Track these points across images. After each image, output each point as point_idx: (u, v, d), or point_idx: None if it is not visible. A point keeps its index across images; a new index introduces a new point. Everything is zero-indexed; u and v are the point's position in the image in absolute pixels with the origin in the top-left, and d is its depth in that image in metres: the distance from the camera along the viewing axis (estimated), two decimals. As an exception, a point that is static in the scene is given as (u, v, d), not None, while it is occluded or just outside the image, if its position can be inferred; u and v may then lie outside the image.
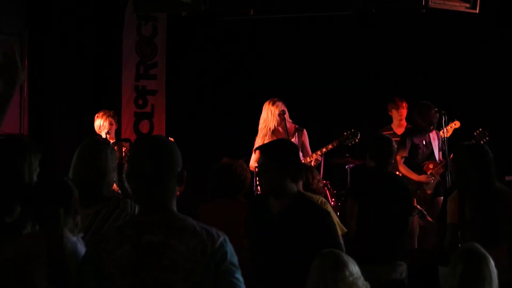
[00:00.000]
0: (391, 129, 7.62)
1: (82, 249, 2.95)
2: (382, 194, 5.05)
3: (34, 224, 2.97)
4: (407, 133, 7.08)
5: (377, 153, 5.24)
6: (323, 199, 4.92)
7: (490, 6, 6.99)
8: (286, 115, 6.84)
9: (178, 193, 5.16)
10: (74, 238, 2.97)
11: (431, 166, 6.88)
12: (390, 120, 7.75)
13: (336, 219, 4.63)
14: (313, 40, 8.81)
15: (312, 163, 6.80)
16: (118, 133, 7.99)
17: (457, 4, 6.35)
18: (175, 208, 2.46)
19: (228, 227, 4.84)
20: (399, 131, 7.53)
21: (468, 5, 6.35)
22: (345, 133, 6.95)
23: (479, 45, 8.39)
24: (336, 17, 8.34)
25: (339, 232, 4.48)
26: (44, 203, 2.91)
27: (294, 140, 6.90)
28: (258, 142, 6.90)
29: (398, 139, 7.31)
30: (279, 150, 3.80)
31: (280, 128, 6.85)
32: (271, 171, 3.68)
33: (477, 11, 6.39)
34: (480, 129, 7.00)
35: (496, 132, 7.35)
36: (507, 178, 7.37)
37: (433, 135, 7.00)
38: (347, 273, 3.09)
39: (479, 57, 8.39)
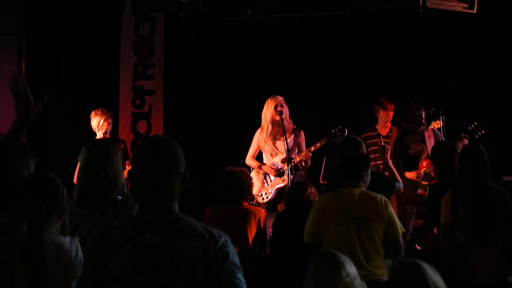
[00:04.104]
0: (376, 130, 7.62)
1: (73, 250, 2.92)
2: None
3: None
4: (397, 138, 7.06)
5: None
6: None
7: (487, 6, 6.99)
8: (285, 114, 6.88)
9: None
10: (63, 239, 2.94)
11: (424, 163, 6.84)
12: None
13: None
14: (311, 40, 8.81)
15: (298, 160, 6.83)
16: (115, 133, 8.00)
17: (455, 4, 6.35)
18: (177, 208, 2.44)
19: (232, 231, 5.03)
20: (384, 132, 7.56)
21: (465, 5, 6.35)
22: (333, 131, 6.95)
23: (477, 45, 8.39)
24: (335, 17, 8.34)
25: (400, 231, 4.64)
26: (26, 199, 2.89)
27: (290, 140, 6.93)
28: (256, 135, 7.04)
29: (381, 139, 7.38)
30: None
31: (276, 123, 6.89)
32: None
33: (475, 11, 6.39)
34: (476, 123, 6.94)
35: (494, 132, 7.34)
36: (505, 178, 7.37)
37: (428, 133, 6.97)
38: (344, 274, 3.10)
39: (477, 57, 8.39)
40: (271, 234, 5.58)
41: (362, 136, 7.55)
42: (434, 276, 2.63)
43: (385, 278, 4.52)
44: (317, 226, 4.69)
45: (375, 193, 4.74)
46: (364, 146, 5.61)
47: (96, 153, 3.49)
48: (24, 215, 2.86)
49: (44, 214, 2.86)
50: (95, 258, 2.38)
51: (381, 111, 7.62)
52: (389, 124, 7.62)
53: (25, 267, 2.76)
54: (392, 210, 4.68)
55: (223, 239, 2.37)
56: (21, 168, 3.06)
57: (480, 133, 6.80)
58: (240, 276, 2.37)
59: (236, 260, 2.38)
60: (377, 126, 7.66)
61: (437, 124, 7.16)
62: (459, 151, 5.16)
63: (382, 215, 4.62)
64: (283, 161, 6.84)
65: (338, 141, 6.86)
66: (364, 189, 4.77)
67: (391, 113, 7.58)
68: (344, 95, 8.77)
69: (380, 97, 7.82)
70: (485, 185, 4.58)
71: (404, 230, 4.70)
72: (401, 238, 4.67)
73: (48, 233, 2.89)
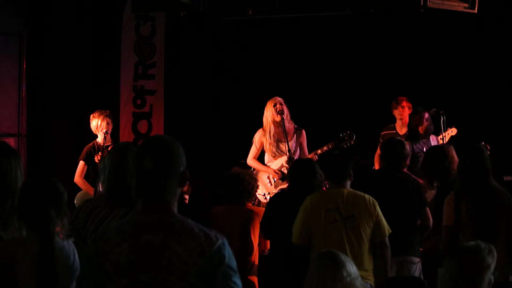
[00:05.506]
0: (394, 128, 7.43)
1: (71, 253, 2.92)
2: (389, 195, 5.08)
3: (21, 225, 2.94)
4: (406, 140, 7.00)
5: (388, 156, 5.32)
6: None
7: (488, 6, 6.98)
8: (286, 115, 6.87)
9: (187, 196, 5.32)
10: (62, 243, 2.94)
11: None
12: (392, 119, 7.65)
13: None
14: (312, 40, 8.81)
15: None
16: (116, 133, 7.99)
17: (456, 4, 6.34)
18: (175, 209, 2.45)
19: (236, 232, 5.05)
20: (402, 131, 7.33)
21: (466, 5, 6.34)
22: (341, 135, 6.93)
23: (478, 45, 8.39)
24: (335, 17, 8.34)
25: (387, 232, 4.62)
26: (35, 203, 2.88)
27: (292, 140, 6.93)
28: (257, 136, 7.03)
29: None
30: None
31: (277, 124, 6.89)
32: None
33: (476, 11, 6.38)
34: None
35: (494, 132, 7.35)
36: (505, 178, 7.35)
37: (433, 142, 6.93)
38: (344, 274, 3.09)
39: (477, 57, 8.39)
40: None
41: (382, 133, 7.45)
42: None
43: (370, 282, 4.50)
44: (306, 226, 4.64)
45: (362, 193, 4.70)
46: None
47: (128, 155, 3.55)
48: (33, 220, 2.86)
49: (54, 219, 2.87)
50: (92, 257, 2.39)
51: (394, 109, 7.47)
52: (407, 121, 7.41)
53: (37, 271, 2.75)
54: (379, 211, 4.63)
55: (219, 242, 2.37)
56: (5, 168, 3.07)
57: (442, 118, 6.82)
58: (236, 279, 2.37)
59: (233, 263, 2.38)
60: (395, 125, 7.50)
61: (451, 132, 7.12)
62: (452, 153, 5.23)
63: (371, 215, 4.58)
64: (288, 163, 6.82)
65: (346, 146, 6.86)
66: (351, 189, 4.74)
67: (403, 110, 7.37)
68: (344, 95, 8.77)
69: (379, 97, 7.81)
70: (486, 185, 4.57)
71: (390, 231, 4.64)
72: (387, 238, 4.62)
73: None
